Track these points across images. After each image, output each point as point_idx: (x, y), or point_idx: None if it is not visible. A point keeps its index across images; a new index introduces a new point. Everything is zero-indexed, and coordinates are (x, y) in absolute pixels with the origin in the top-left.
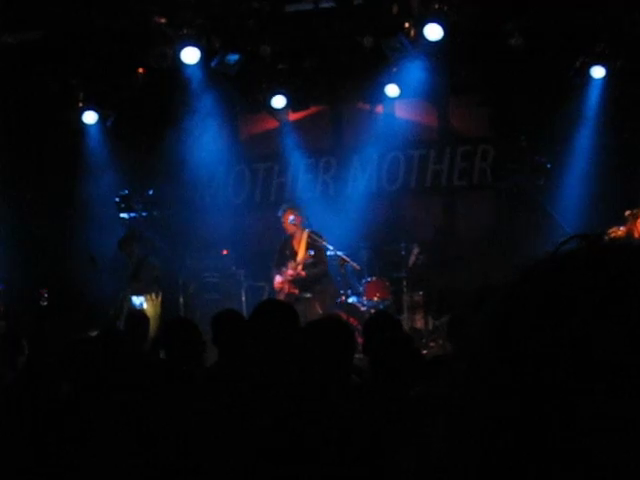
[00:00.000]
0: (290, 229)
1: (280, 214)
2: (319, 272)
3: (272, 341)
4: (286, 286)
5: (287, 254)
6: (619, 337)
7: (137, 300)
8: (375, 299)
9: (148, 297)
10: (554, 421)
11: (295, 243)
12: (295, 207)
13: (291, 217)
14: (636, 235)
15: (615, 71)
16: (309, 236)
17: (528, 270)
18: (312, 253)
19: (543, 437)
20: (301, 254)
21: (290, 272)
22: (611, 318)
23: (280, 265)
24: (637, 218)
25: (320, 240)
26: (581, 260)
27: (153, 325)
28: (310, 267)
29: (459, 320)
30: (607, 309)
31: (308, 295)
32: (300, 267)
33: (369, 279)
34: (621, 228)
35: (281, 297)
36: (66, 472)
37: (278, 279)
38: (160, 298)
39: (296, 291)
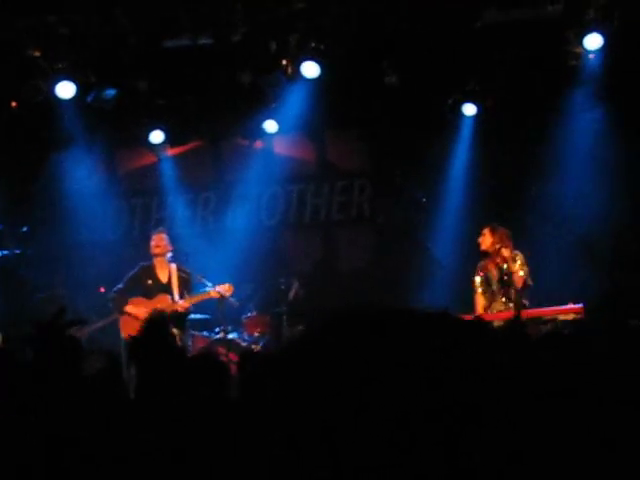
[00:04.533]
0: (160, 252)
1: (154, 234)
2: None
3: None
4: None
5: (149, 284)
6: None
7: None
8: (256, 334)
9: None
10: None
11: (160, 274)
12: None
13: (165, 237)
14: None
15: (486, 108)
16: (180, 270)
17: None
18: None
19: None
20: (176, 288)
21: (184, 304)
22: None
23: (133, 294)
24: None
25: (187, 274)
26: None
27: None
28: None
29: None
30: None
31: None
32: (187, 303)
33: (249, 314)
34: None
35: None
36: None
37: (139, 311)
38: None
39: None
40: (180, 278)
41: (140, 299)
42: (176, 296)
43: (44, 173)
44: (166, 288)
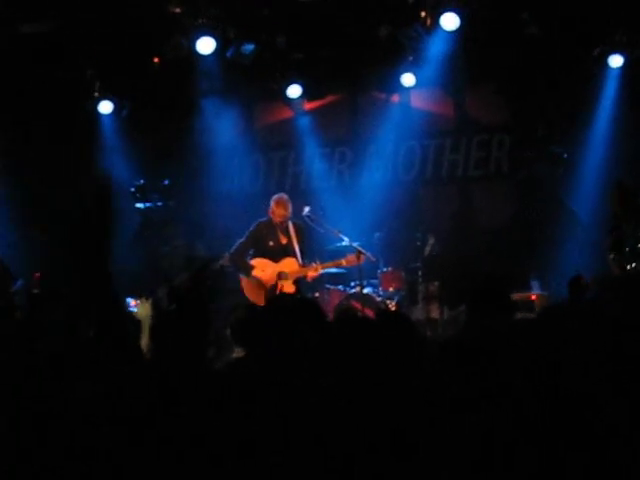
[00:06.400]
0: (284, 221)
1: (278, 199)
2: None
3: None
4: (289, 286)
5: (270, 245)
6: None
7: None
8: (390, 289)
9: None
10: None
11: (281, 234)
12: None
13: (290, 204)
14: None
15: (633, 60)
16: (295, 225)
17: None
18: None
19: None
20: (297, 247)
21: (313, 274)
22: None
23: (253, 252)
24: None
25: (301, 226)
26: None
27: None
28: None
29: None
30: None
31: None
32: (316, 271)
33: (384, 269)
34: None
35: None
36: None
37: (266, 276)
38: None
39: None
40: (298, 235)
41: (265, 261)
42: (299, 257)
43: (184, 127)
44: (288, 250)
